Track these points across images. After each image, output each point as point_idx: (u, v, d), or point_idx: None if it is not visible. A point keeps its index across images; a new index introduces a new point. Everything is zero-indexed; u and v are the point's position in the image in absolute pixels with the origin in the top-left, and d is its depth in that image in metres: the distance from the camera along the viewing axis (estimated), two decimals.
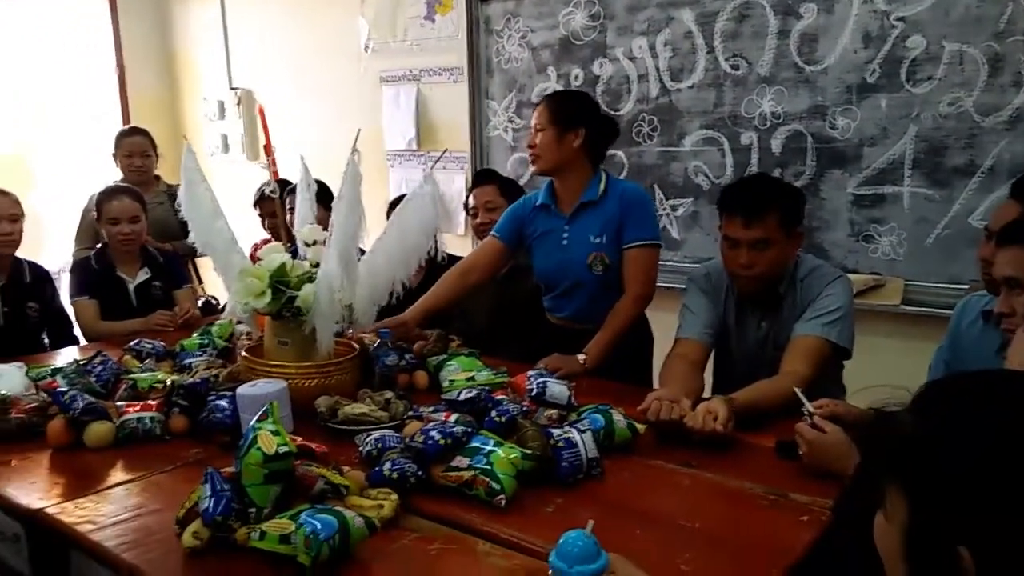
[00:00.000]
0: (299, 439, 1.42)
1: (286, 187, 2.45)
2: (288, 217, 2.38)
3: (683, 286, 2.17)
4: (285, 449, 1.27)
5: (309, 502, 1.27)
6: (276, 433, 1.30)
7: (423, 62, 3.87)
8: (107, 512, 1.40)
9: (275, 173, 1.98)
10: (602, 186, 2.24)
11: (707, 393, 1.98)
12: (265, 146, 1.94)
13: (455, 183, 3.78)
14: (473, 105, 3.69)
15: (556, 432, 1.51)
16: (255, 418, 1.35)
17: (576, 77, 3.35)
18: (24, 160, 4.68)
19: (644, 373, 2.32)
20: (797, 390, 1.62)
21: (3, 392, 1.79)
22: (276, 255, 1.79)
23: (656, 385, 2.06)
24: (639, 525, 1.33)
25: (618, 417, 1.64)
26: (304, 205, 2.07)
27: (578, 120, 2.19)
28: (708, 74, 3.01)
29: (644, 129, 3.20)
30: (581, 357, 2.12)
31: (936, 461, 0.66)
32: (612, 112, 3.12)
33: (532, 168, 2.26)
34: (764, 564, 1.20)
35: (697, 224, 3.15)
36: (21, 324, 2.69)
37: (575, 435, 1.50)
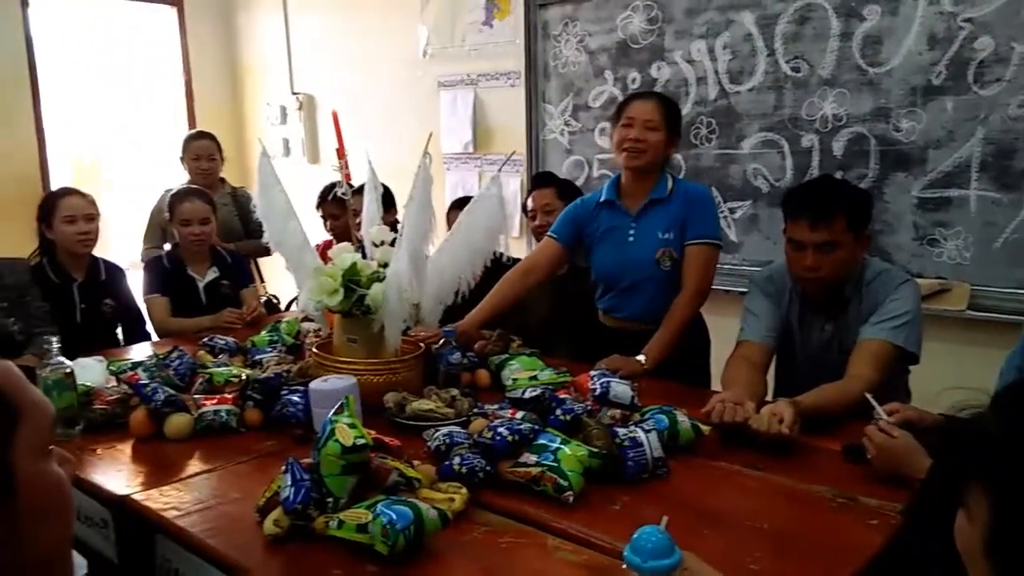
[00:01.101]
0: (373, 432, 1.46)
1: (352, 190, 2.50)
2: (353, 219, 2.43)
3: (742, 289, 2.17)
4: (362, 441, 1.32)
5: (384, 493, 1.31)
6: (352, 426, 1.34)
7: (481, 67, 3.92)
8: (190, 499, 1.46)
9: (347, 176, 2.03)
10: (670, 185, 2.26)
11: (769, 396, 1.97)
12: (338, 149, 2.00)
13: (510, 186, 3.82)
14: (530, 109, 3.72)
15: (621, 431, 1.53)
16: (332, 411, 1.39)
17: (633, 80, 3.36)
18: (99, 166, 4.86)
19: (703, 375, 2.32)
20: (868, 395, 1.61)
21: (87, 384, 1.88)
22: (347, 255, 1.84)
23: (716, 387, 2.06)
24: (706, 524, 1.34)
25: (682, 418, 1.65)
26: (371, 206, 2.13)
27: (679, 129, 2.27)
28: (768, 76, 2.99)
29: (702, 131, 3.19)
30: (641, 358, 2.13)
31: (1021, 460, 0.67)
32: None
33: (627, 160, 2.22)
34: (833, 566, 1.20)
35: (756, 227, 3.13)
36: (97, 320, 2.80)
37: (640, 434, 1.51)
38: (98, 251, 2.89)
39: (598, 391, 1.74)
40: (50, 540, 0.63)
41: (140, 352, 2.49)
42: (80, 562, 2.04)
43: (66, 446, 1.70)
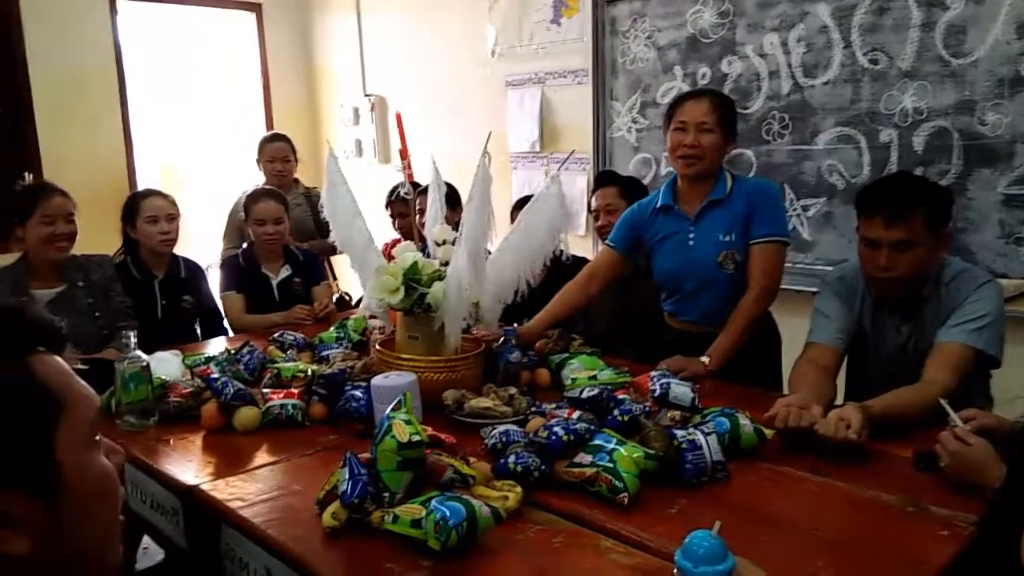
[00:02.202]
0: (430, 429, 1.47)
1: (416, 189, 2.54)
2: (418, 218, 2.47)
3: (814, 289, 2.10)
4: (417, 438, 1.33)
5: (439, 489, 1.33)
6: (409, 423, 1.36)
7: (548, 65, 3.92)
8: (254, 491, 1.51)
9: (410, 176, 2.06)
10: (729, 184, 2.19)
11: (839, 401, 1.91)
12: (401, 150, 2.03)
13: (577, 184, 3.80)
14: (597, 106, 3.70)
15: (680, 433, 1.50)
16: (390, 408, 1.41)
17: (703, 76, 3.30)
18: (182, 167, 5.07)
19: (772, 377, 2.25)
20: (943, 402, 1.54)
21: (162, 378, 1.96)
22: (409, 254, 1.87)
23: (786, 391, 2.00)
24: (766, 530, 1.30)
25: (744, 421, 1.61)
26: (434, 205, 2.15)
27: (736, 128, 2.19)
28: (844, 69, 2.89)
29: (774, 127, 3.11)
30: (705, 359, 2.09)
31: None
32: (742, 111, 3.05)
33: (683, 168, 2.17)
34: None
35: (830, 225, 3.03)
36: (177, 315, 2.92)
37: (700, 437, 1.49)
38: (180, 250, 3.01)
39: (658, 392, 1.72)
40: (96, 528, 0.65)
41: (215, 347, 2.58)
42: (156, 550, 2.12)
43: (140, 437, 1.80)
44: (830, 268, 2.53)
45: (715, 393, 1.89)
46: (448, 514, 1.21)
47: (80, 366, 2.01)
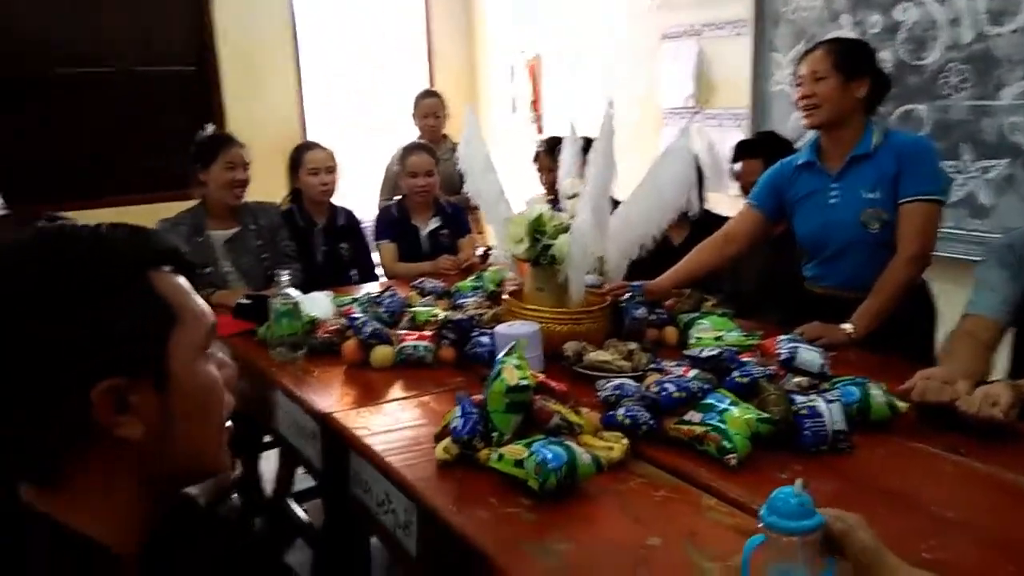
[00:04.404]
0: (541, 376, 1.51)
1: (552, 143, 2.55)
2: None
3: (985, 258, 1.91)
4: (525, 382, 1.38)
5: (544, 434, 1.37)
6: (519, 367, 1.41)
7: (707, 16, 3.76)
8: (381, 422, 1.62)
9: (539, 128, 2.08)
10: (876, 138, 2.04)
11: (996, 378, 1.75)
12: (533, 102, 2.05)
13: (730, 141, 3.65)
14: (756, 59, 3.52)
15: (800, 399, 1.45)
16: (503, 352, 1.47)
17: (874, 25, 3.05)
18: (348, 125, 5.34)
19: (922, 352, 2.09)
20: None
21: (313, 315, 2.12)
22: (537, 206, 1.90)
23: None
24: (883, 505, 1.24)
25: (876, 392, 1.52)
26: (569, 159, 2.16)
27: (863, 68, 2.02)
28: None
29: (952, 80, 2.83)
30: (848, 326, 1.98)
31: None
32: (916, 62, 2.81)
33: (804, 121, 2.10)
34: None
35: (1012, 189, 2.74)
36: (335, 261, 3.13)
37: (821, 404, 1.42)
38: (340, 201, 3.21)
39: (784, 355, 1.66)
40: (202, 429, 0.74)
41: (365, 291, 2.75)
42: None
43: (290, 367, 1.97)
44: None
45: (856, 363, 1.79)
46: (549, 457, 1.25)
47: (243, 300, 2.22)
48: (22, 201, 3.72)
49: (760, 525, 0.97)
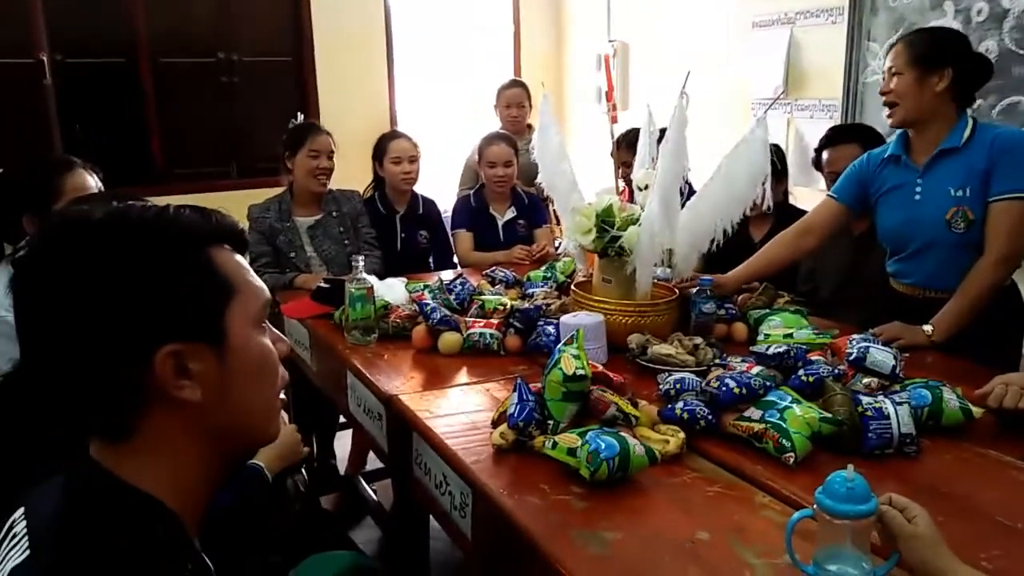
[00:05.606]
0: (599, 367, 1.52)
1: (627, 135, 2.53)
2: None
3: None
4: (582, 372, 1.39)
5: (600, 424, 1.38)
6: (577, 357, 1.42)
7: (800, 3, 3.64)
8: (444, 406, 1.66)
9: (614, 119, 2.07)
10: (967, 132, 1.93)
11: None
12: (607, 92, 2.04)
13: (821, 133, 3.53)
14: (850, 48, 3.39)
15: (866, 400, 1.41)
16: (562, 342, 1.48)
17: (979, 12, 2.90)
18: (435, 115, 5.43)
19: (1008, 360, 1.98)
20: None
21: (386, 300, 2.19)
22: (607, 196, 1.89)
23: None
24: (946, 511, 1.19)
25: (949, 396, 1.46)
26: (643, 150, 2.14)
27: (943, 59, 1.92)
28: None
29: None
30: (928, 328, 1.90)
31: None
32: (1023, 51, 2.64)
33: (889, 120, 2.02)
34: None
35: None
36: (413, 248, 3.20)
37: (888, 406, 1.38)
38: (421, 190, 3.28)
39: (854, 355, 1.60)
40: (257, 397, 0.80)
41: (439, 278, 2.80)
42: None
43: (363, 349, 2.04)
44: None
45: (934, 366, 1.72)
46: (602, 447, 1.26)
47: (322, 284, 2.30)
48: (119, 184, 3.96)
49: (815, 508, 0.97)
